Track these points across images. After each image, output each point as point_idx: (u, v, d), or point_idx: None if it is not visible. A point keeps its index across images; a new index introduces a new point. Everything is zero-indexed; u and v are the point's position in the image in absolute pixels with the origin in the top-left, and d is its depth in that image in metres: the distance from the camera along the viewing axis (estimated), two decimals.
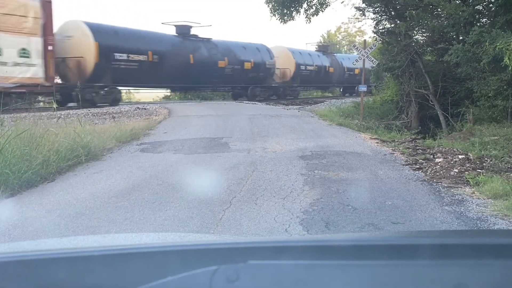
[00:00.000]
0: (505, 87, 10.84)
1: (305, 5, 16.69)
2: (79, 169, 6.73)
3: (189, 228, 4.11)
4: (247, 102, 21.47)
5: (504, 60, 9.14)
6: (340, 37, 50.83)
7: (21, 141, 6.30)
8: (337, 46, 47.34)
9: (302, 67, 27.11)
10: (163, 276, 0.92)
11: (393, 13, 15.33)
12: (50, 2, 14.72)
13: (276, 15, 16.78)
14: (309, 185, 5.72)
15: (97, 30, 16.58)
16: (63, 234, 4.00)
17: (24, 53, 13.93)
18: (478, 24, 12.14)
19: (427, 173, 6.54)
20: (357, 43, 23.61)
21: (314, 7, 16.80)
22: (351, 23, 45.59)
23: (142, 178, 6.16)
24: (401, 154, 8.18)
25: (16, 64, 13.80)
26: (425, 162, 7.25)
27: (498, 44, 9.27)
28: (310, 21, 17.04)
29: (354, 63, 18.47)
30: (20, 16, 13.72)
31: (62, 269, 0.99)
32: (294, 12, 16.76)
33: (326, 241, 1.15)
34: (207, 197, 5.03)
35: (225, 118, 13.44)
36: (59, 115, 11.75)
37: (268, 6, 16.74)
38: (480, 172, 6.40)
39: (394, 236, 1.62)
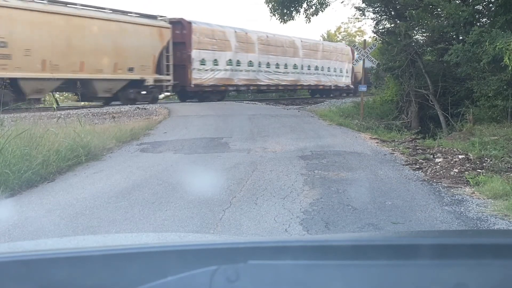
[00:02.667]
0: (505, 87, 10.84)
1: (305, 5, 16.69)
2: (79, 169, 6.73)
3: (189, 228, 4.11)
4: (247, 102, 21.48)
5: (504, 60, 9.14)
6: (340, 37, 50.80)
7: (21, 141, 6.30)
8: None
9: None
10: (163, 276, 0.92)
11: (393, 13, 15.33)
12: (351, 49, 28.42)
13: (276, 15, 16.77)
14: (309, 185, 5.72)
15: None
16: (63, 234, 4.00)
17: (347, 71, 30.24)
18: (478, 24, 12.15)
19: (427, 173, 6.54)
20: (357, 43, 23.63)
21: (314, 7, 16.80)
22: (351, 23, 45.57)
23: (142, 178, 6.16)
24: (401, 154, 8.17)
25: (345, 76, 30.27)
26: (425, 162, 7.25)
27: (498, 44, 9.27)
28: (310, 21, 17.06)
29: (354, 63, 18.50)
30: (345, 54, 29.99)
31: (62, 269, 0.99)
32: (294, 12, 16.75)
33: (326, 241, 1.16)
34: (207, 197, 5.03)
35: (225, 118, 13.44)
36: (59, 115, 11.74)
37: (268, 6, 16.74)
38: (480, 172, 6.40)
39: (394, 236, 1.62)
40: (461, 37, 12.54)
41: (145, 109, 15.89)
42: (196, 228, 4.09)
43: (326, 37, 48.82)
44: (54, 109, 11.06)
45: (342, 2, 21.23)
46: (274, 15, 16.81)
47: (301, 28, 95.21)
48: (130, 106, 16.94)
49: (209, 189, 5.48)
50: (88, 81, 15.59)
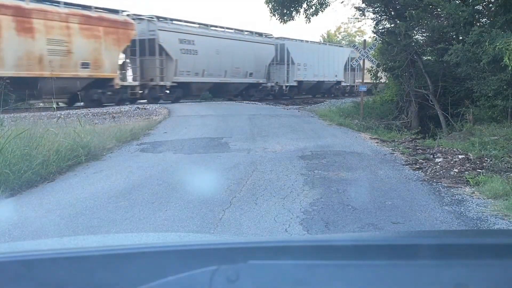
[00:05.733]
0: (505, 87, 10.83)
1: (304, 5, 16.68)
2: (79, 169, 6.73)
3: (189, 228, 4.11)
4: (247, 102, 21.48)
5: (504, 60, 9.13)
6: (340, 37, 50.84)
7: (21, 141, 6.30)
8: None
9: None
10: (163, 276, 0.92)
11: (393, 13, 15.32)
12: None
13: (276, 15, 16.76)
14: (309, 185, 5.72)
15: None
16: (63, 234, 4.00)
17: None
18: (478, 24, 12.13)
19: (427, 173, 6.54)
20: (357, 43, 23.60)
21: (313, 7, 16.78)
22: (351, 23, 45.63)
23: (142, 178, 6.16)
24: (401, 154, 8.18)
25: None
26: (425, 162, 7.25)
27: (498, 44, 9.26)
28: (309, 21, 17.04)
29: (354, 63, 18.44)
30: None
31: (62, 269, 0.99)
32: (294, 12, 16.73)
33: (326, 241, 1.16)
34: (207, 197, 5.03)
35: (225, 118, 13.44)
36: (59, 115, 11.75)
37: (268, 6, 16.73)
38: (480, 172, 6.40)
39: (394, 236, 1.62)
40: (461, 37, 12.52)
41: (145, 109, 15.91)
42: (196, 228, 4.09)
43: (326, 37, 48.85)
44: (54, 109, 11.06)
45: (342, 2, 21.22)
46: (274, 15, 16.80)
47: (301, 28, 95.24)
48: (130, 106, 16.96)
49: (209, 189, 5.48)
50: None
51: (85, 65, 16.09)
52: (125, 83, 18.04)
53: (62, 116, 11.39)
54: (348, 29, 50.34)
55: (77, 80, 16.00)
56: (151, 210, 4.66)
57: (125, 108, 16.22)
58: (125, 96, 18.23)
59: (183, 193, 5.27)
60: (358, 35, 48.21)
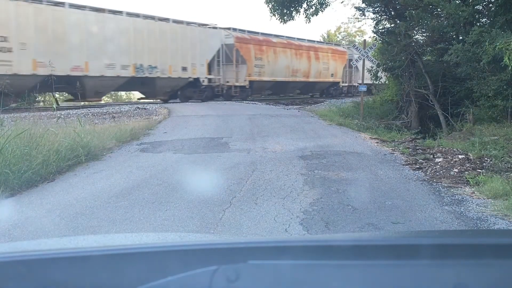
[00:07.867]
0: (505, 87, 10.83)
1: (304, 5, 16.69)
2: (79, 169, 6.73)
3: (189, 228, 4.11)
4: (247, 102, 21.49)
5: (504, 60, 9.13)
6: (340, 37, 50.82)
7: (21, 141, 6.30)
8: None
9: None
10: (163, 276, 0.92)
11: (393, 13, 15.33)
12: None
13: (276, 15, 16.77)
14: (309, 185, 5.72)
15: None
16: (63, 234, 4.00)
17: None
18: (478, 24, 12.14)
19: (427, 173, 6.54)
20: (357, 43, 23.60)
21: (313, 7, 16.80)
22: (351, 23, 45.68)
23: (142, 178, 6.16)
24: (401, 154, 8.18)
25: None
26: (425, 162, 7.25)
27: (498, 44, 9.27)
28: (309, 21, 17.06)
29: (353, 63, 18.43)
30: None
31: (62, 269, 0.99)
32: (294, 12, 16.75)
33: (326, 241, 1.16)
34: (207, 197, 5.03)
35: (225, 118, 13.43)
36: (59, 115, 11.75)
37: (268, 6, 16.74)
38: (480, 172, 6.40)
39: (394, 236, 1.62)
40: (461, 37, 12.53)
41: (145, 109, 15.91)
42: (196, 228, 4.09)
43: (326, 37, 48.85)
44: (54, 109, 11.07)
45: (342, 2, 21.40)
46: (274, 15, 16.81)
47: (301, 28, 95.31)
48: (130, 106, 17.00)
49: (209, 189, 5.48)
50: None
51: (332, 75, 30.31)
52: (344, 84, 31.72)
53: (62, 116, 11.38)
54: (348, 29, 50.33)
55: (328, 83, 30.49)
56: (151, 210, 4.66)
57: (125, 108, 16.23)
58: (342, 91, 31.45)
59: (183, 193, 5.27)
60: (358, 35, 48.20)
